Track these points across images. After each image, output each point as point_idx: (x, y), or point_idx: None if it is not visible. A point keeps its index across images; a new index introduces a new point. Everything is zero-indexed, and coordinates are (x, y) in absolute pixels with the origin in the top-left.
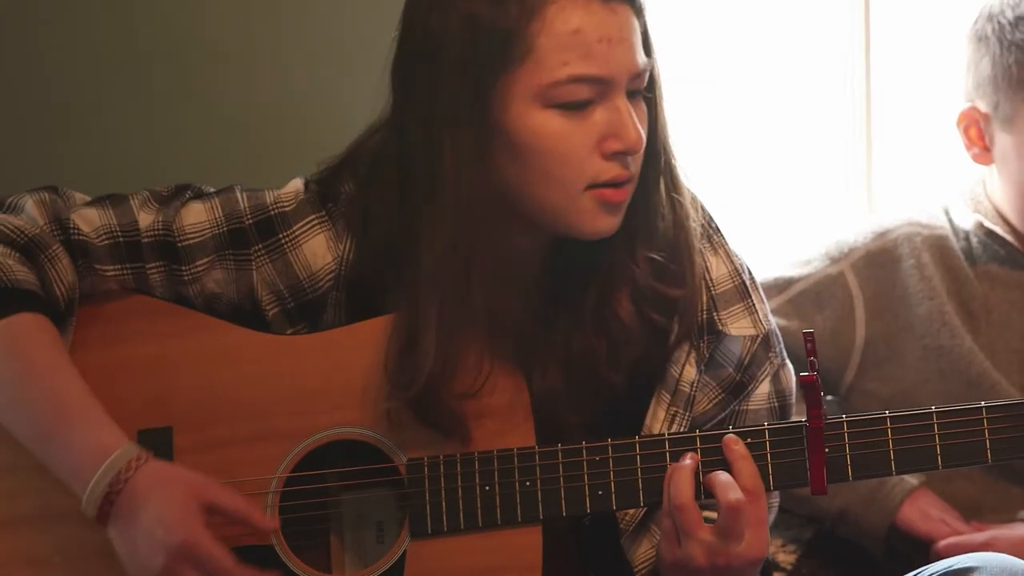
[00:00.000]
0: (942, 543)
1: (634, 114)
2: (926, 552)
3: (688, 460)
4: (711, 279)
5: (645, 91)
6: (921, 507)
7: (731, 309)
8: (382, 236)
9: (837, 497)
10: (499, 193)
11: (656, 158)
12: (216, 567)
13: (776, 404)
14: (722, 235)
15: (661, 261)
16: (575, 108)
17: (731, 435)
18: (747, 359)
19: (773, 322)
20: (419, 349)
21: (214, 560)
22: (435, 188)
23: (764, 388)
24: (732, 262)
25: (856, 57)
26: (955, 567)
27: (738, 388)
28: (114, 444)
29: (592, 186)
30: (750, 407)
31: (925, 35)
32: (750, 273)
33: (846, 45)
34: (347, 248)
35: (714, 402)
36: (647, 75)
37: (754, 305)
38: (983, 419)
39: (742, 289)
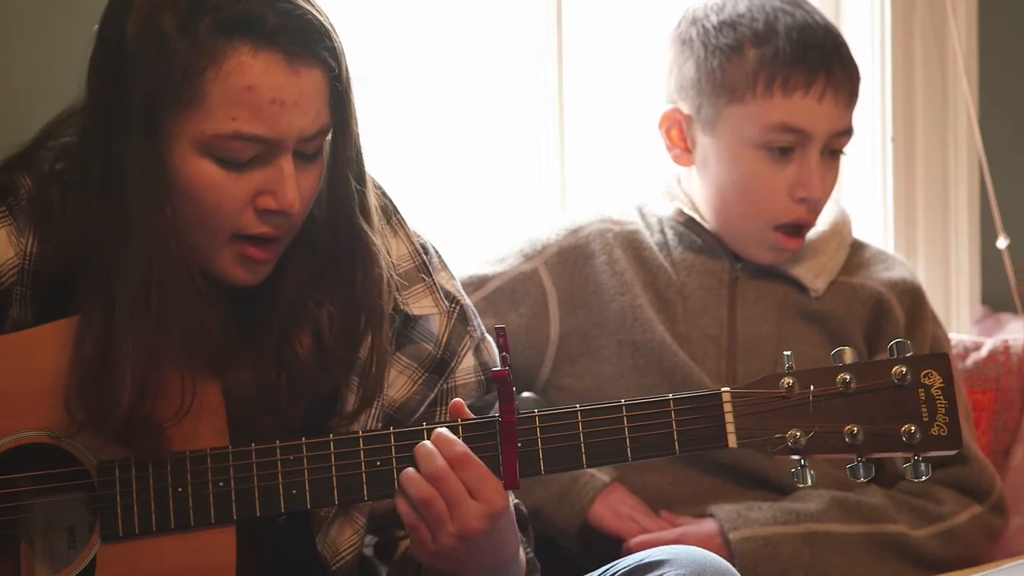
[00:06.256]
0: (633, 541)
1: (295, 177)
2: (619, 548)
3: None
4: (392, 260)
5: (341, 148)
6: (611, 504)
7: (412, 289)
8: (70, 239)
9: (531, 495)
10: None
11: (342, 206)
12: None
13: (483, 377)
14: (401, 216)
15: (343, 317)
16: (235, 164)
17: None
18: (445, 335)
19: (466, 297)
20: (114, 377)
21: None
22: (122, 211)
23: (468, 362)
24: (412, 242)
25: (548, 56)
26: (646, 560)
27: (441, 365)
28: None
29: (237, 237)
30: (458, 383)
31: (617, 36)
32: (436, 252)
33: (538, 44)
34: (30, 243)
35: (419, 383)
36: (322, 139)
37: (435, 284)
38: (671, 411)
39: (423, 268)
